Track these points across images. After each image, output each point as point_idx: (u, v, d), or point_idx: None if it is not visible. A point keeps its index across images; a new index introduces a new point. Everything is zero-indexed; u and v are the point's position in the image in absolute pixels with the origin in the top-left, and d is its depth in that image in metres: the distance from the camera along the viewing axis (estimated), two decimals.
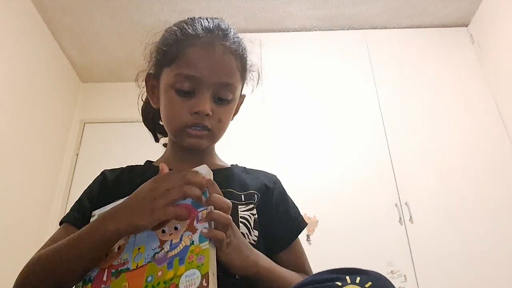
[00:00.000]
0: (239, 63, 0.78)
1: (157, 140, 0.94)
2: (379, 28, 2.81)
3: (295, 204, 0.85)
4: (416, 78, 2.58)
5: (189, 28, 0.76)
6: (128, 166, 0.86)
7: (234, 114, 0.86)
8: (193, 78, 0.73)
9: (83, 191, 0.81)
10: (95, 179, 0.82)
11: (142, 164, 0.88)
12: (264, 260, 0.65)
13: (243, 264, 0.60)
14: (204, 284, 0.49)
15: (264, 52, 2.66)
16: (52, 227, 2.72)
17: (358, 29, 2.81)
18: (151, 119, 0.91)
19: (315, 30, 2.83)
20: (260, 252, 0.66)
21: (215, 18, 0.80)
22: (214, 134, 0.78)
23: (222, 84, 0.74)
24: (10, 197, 2.40)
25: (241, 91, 0.84)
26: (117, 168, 0.85)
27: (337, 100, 2.52)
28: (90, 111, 3.23)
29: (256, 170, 0.89)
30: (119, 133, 3.09)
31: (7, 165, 2.38)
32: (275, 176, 0.88)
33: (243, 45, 0.80)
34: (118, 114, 3.09)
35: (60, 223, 0.76)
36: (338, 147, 2.37)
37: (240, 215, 0.72)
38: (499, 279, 1.98)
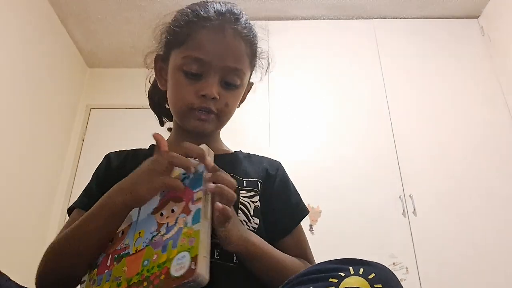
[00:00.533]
0: (249, 49, 0.77)
1: (162, 123, 0.94)
2: (388, 18, 2.78)
3: (298, 191, 0.84)
4: (424, 69, 2.55)
5: (201, 10, 0.75)
6: (133, 149, 0.86)
7: (241, 102, 0.85)
8: (201, 61, 0.72)
9: (90, 176, 0.81)
10: (101, 162, 0.83)
11: (147, 148, 0.87)
12: (257, 239, 0.64)
13: (239, 241, 0.59)
14: (193, 267, 0.48)
15: (272, 40, 2.64)
16: (57, 212, 2.75)
17: (367, 18, 2.78)
18: (157, 102, 0.91)
19: (324, 19, 2.80)
20: (253, 233, 0.65)
21: (228, 3, 0.79)
22: (220, 118, 0.77)
23: (230, 69, 0.74)
24: (15, 182, 2.42)
25: (250, 78, 0.83)
26: (122, 151, 0.85)
27: (343, 90, 2.50)
28: (96, 96, 3.23)
29: (260, 156, 0.89)
30: (124, 119, 3.09)
31: (13, 149, 2.40)
32: (279, 162, 0.88)
33: (254, 31, 0.79)
34: (124, 100, 3.09)
35: (69, 210, 0.77)
36: (344, 138, 2.36)
37: (240, 200, 0.71)
38: (501, 272, 1.98)
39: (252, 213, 0.72)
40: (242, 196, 0.72)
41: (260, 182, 0.78)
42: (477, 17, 2.75)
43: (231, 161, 0.81)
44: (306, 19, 2.80)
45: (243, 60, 0.76)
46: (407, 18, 2.78)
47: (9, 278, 0.46)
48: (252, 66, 0.81)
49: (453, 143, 2.32)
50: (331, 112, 2.44)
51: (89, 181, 0.80)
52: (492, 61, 2.56)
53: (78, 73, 3.22)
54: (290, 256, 0.70)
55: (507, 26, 2.48)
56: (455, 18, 2.76)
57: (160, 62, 0.82)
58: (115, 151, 0.85)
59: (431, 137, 2.34)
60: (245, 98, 0.87)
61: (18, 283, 0.51)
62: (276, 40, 2.63)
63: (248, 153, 0.89)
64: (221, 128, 0.83)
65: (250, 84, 0.87)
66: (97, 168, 0.82)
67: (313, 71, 2.57)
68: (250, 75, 0.83)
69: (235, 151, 0.88)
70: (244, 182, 0.76)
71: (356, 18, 2.78)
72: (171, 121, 0.89)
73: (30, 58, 2.56)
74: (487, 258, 2.01)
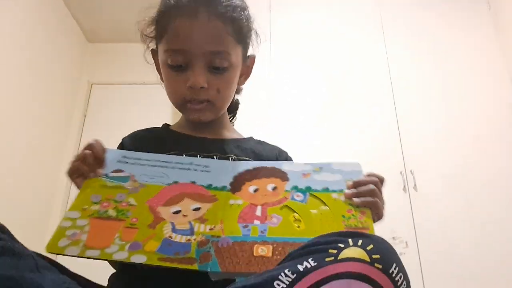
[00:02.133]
0: (230, 26, 0.73)
1: None
2: None
3: None
4: (429, 44, 2.51)
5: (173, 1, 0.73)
6: (145, 128, 0.86)
7: (246, 78, 0.85)
8: (181, 52, 0.71)
9: None
10: (121, 143, 0.83)
11: (160, 127, 0.88)
12: None
13: None
14: None
15: (274, 14, 2.61)
16: (61, 190, 2.78)
17: None
18: None
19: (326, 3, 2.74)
20: None
21: None
22: (216, 105, 0.76)
23: (212, 53, 0.72)
24: (19, 160, 2.44)
25: (245, 54, 0.80)
26: (135, 133, 0.85)
27: (346, 65, 2.48)
28: (97, 72, 3.22)
29: (270, 144, 0.89)
30: (126, 95, 3.09)
31: (15, 127, 2.40)
32: (286, 152, 0.88)
33: (234, 4, 0.75)
34: (126, 76, 3.08)
35: None
36: (345, 113, 2.35)
37: None
38: (501, 248, 2.01)
39: None
40: None
41: None
42: None
43: (241, 146, 0.81)
44: (308, 3, 2.74)
45: (224, 41, 0.73)
46: None
47: (24, 246, 0.47)
48: (242, 41, 0.77)
49: (456, 119, 2.31)
50: (332, 87, 2.43)
51: None
52: (498, 36, 2.52)
53: (79, 49, 3.19)
54: None
55: None
56: None
57: (156, 57, 0.81)
58: (128, 135, 0.84)
59: (433, 112, 2.33)
60: (249, 73, 0.85)
61: None
62: (278, 14, 2.61)
63: (259, 139, 0.89)
64: (221, 113, 0.82)
65: (251, 58, 0.84)
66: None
67: (316, 45, 2.54)
68: (244, 51, 0.80)
69: (249, 137, 0.88)
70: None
71: None
72: None
73: (30, 34, 2.54)
74: (487, 233, 2.04)
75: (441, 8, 2.62)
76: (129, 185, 0.63)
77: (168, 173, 0.65)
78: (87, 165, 0.65)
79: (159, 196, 0.62)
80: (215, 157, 0.74)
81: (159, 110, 2.17)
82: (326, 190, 0.63)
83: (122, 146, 0.82)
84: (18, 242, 0.46)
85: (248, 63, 0.84)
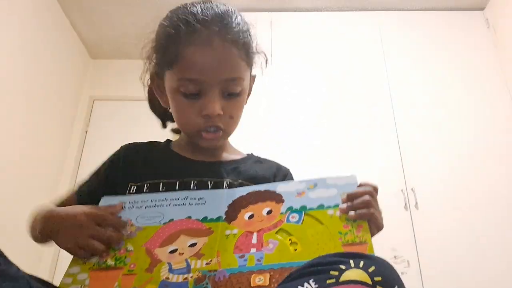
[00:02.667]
0: (243, 51, 0.73)
1: (164, 126, 0.91)
2: (392, 10, 2.75)
3: None
4: (429, 62, 2.53)
5: (183, 24, 0.70)
6: (149, 142, 0.86)
7: (247, 96, 0.84)
8: (196, 81, 0.69)
9: (93, 167, 0.83)
10: (118, 151, 0.83)
11: (163, 141, 0.88)
12: None
13: None
14: None
15: (275, 32, 2.64)
16: None
17: (371, 10, 2.76)
18: (158, 105, 0.87)
19: (327, 11, 2.78)
20: None
21: (210, 3, 0.73)
22: (228, 131, 0.77)
23: (227, 80, 0.71)
24: (19, 173, 2.43)
25: (250, 74, 0.80)
26: (139, 144, 0.85)
27: (347, 82, 2.49)
28: (99, 88, 3.24)
29: (270, 161, 0.88)
30: (128, 110, 3.10)
31: (16, 140, 2.41)
32: (288, 169, 0.87)
33: (244, 27, 0.75)
34: (128, 91, 3.08)
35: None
36: (346, 130, 2.36)
37: None
38: (502, 268, 1.98)
39: None
40: None
41: None
42: (482, 9, 2.72)
43: (239, 168, 0.80)
44: (309, 11, 2.78)
45: (238, 67, 0.72)
46: (412, 10, 2.75)
47: (19, 268, 0.47)
48: (250, 64, 0.77)
49: (456, 136, 2.31)
50: (333, 105, 2.43)
51: (98, 167, 0.82)
52: (497, 53, 2.54)
53: (82, 64, 3.22)
54: None
55: None
56: (460, 10, 2.73)
57: (157, 79, 0.79)
58: (133, 143, 0.84)
59: (434, 130, 2.33)
60: (250, 92, 0.85)
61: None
62: (279, 32, 2.64)
63: (259, 157, 0.88)
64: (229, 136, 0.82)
65: (253, 77, 0.84)
66: (113, 155, 0.82)
67: (316, 63, 2.56)
68: (250, 72, 0.80)
69: (246, 155, 0.88)
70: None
71: (360, 10, 2.76)
72: (174, 122, 0.88)
73: (33, 49, 2.56)
74: (489, 252, 2.02)
75: (441, 27, 2.65)
76: (126, 230, 0.64)
77: (164, 211, 0.66)
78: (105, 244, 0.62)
79: (155, 237, 0.62)
80: (210, 182, 0.74)
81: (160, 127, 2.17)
82: (321, 207, 0.63)
83: (126, 151, 0.82)
84: (13, 265, 0.45)
85: (252, 81, 0.84)
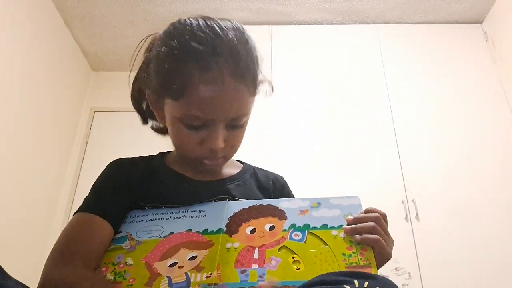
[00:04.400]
0: (251, 85, 0.69)
1: (146, 122, 0.85)
2: (392, 23, 2.78)
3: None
4: (428, 75, 2.55)
5: (193, 55, 0.64)
6: (141, 157, 0.82)
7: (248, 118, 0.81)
8: (203, 118, 0.66)
9: (93, 179, 0.75)
10: (112, 169, 0.76)
11: (155, 155, 0.84)
12: None
13: None
14: None
15: (275, 44, 2.66)
16: (60, 216, 2.76)
17: (370, 23, 2.78)
18: (139, 102, 0.83)
19: (327, 24, 2.81)
20: None
21: (220, 30, 0.66)
22: (229, 157, 0.76)
23: (235, 116, 0.68)
24: (19, 185, 2.43)
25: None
26: (132, 159, 0.80)
27: (347, 95, 2.51)
28: (100, 99, 3.25)
29: (266, 172, 0.87)
30: (128, 122, 3.10)
31: (16, 151, 2.41)
32: (282, 177, 0.87)
33: (253, 55, 0.70)
34: (128, 103, 3.08)
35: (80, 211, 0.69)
36: (346, 142, 2.36)
37: None
38: (504, 279, 1.97)
39: None
40: None
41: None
42: (480, 22, 2.75)
43: (239, 185, 0.79)
44: (309, 24, 2.81)
45: (247, 103, 0.69)
46: (411, 23, 2.78)
47: (17, 281, 0.47)
48: (255, 94, 0.73)
49: (457, 148, 2.31)
50: (333, 117, 2.44)
51: (96, 187, 0.73)
52: (496, 67, 2.55)
53: (83, 76, 3.24)
54: None
55: (511, 31, 2.48)
56: (459, 23, 2.76)
57: (156, 97, 0.73)
58: (123, 159, 0.79)
59: (434, 142, 2.34)
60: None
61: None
62: (279, 45, 2.66)
63: (254, 168, 0.86)
64: None
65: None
66: (109, 175, 0.75)
67: (316, 76, 2.58)
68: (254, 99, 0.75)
69: (242, 167, 0.85)
70: None
71: (359, 23, 2.79)
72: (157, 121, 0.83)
73: (35, 61, 2.58)
74: (490, 263, 2.00)
75: (439, 40, 2.68)
76: (126, 244, 0.63)
77: (164, 225, 0.66)
78: None
79: (155, 250, 0.61)
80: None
81: (160, 138, 2.18)
82: (325, 227, 0.62)
83: (121, 168, 0.76)
84: (11, 278, 0.45)
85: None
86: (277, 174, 0.88)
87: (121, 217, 0.68)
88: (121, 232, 0.66)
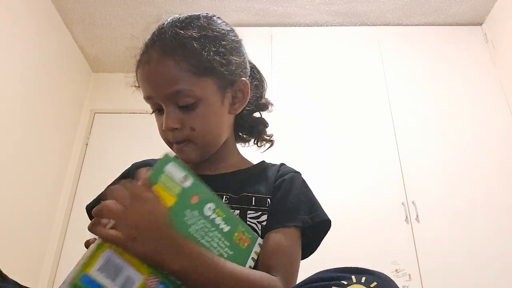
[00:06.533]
0: (184, 62, 0.69)
1: None
2: (392, 25, 2.79)
3: (312, 202, 0.76)
4: (428, 77, 2.55)
5: (144, 44, 0.75)
6: (145, 161, 0.85)
7: (242, 104, 0.79)
8: (149, 98, 0.73)
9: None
10: (124, 171, 0.84)
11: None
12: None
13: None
14: None
15: (275, 46, 2.66)
16: (60, 216, 2.76)
17: (370, 25, 2.79)
18: None
19: (327, 26, 2.81)
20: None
21: (173, 19, 0.75)
22: (198, 143, 0.72)
23: (170, 95, 0.69)
24: (19, 185, 2.43)
25: (222, 83, 0.74)
26: (145, 161, 0.85)
27: (346, 97, 2.51)
28: (100, 101, 3.25)
29: (278, 166, 0.85)
30: (128, 123, 3.11)
31: (17, 153, 2.41)
32: (291, 170, 0.82)
33: (187, 36, 0.70)
34: (128, 105, 3.09)
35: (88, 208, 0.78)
36: (346, 144, 2.36)
37: (247, 222, 0.68)
38: (504, 280, 1.97)
39: (260, 235, 0.68)
40: (249, 218, 0.69)
41: (269, 198, 0.73)
42: (480, 24, 2.75)
43: (240, 179, 0.77)
44: (309, 26, 2.81)
45: (180, 79, 0.69)
46: (411, 25, 2.79)
47: (16, 282, 0.46)
48: (209, 72, 0.71)
49: (457, 150, 2.31)
50: (333, 119, 2.44)
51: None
52: (496, 68, 2.56)
53: (83, 78, 3.24)
54: (251, 272, 0.60)
55: (511, 33, 2.48)
56: (459, 25, 2.76)
57: None
58: (141, 161, 0.85)
59: (434, 144, 2.34)
60: (245, 98, 0.78)
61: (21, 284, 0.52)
62: (279, 46, 2.66)
63: (268, 163, 0.85)
64: (210, 150, 0.76)
65: (241, 82, 0.77)
66: (120, 176, 0.83)
67: (316, 77, 2.58)
68: (222, 80, 0.73)
69: (256, 164, 0.84)
70: (253, 199, 0.72)
71: (359, 25, 2.80)
72: None
73: (35, 63, 2.58)
74: (491, 265, 2.00)
75: (439, 42, 2.68)
76: None
77: None
78: None
79: None
80: None
81: (162, 139, 2.18)
82: None
83: (128, 175, 0.81)
84: (9, 280, 0.45)
85: (235, 90, 0.77)
86: (285, 167, 0.84)
87: None
88: None
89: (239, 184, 0.75)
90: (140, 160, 0.86)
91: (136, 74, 0.75)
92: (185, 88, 0.69)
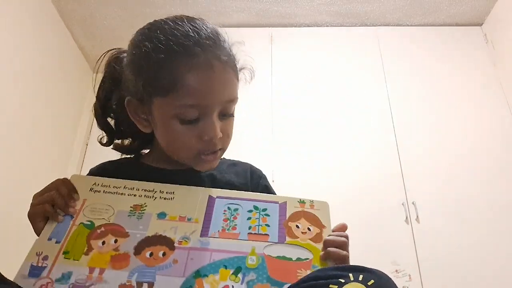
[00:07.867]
0: (235, 70, 0.72)
1: (110, 143, 0.86)
2: (392, 26, 2.79)
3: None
4: (428, 77, 2.55)
5: (178, 47, 0.66)
6: (113, 162, 0.86)
7: None
8: (198, 106, 0.67)
9: None
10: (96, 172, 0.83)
11: (130, 157, 0.86)
12: None
13: None
14: None
15: (275, 47, 2.66)
16: None
17: (370, 26, 2.79)
18: (105, 121, 0.85)
19: (327, 26, 2.81)
20: None
21: (196, 23, 0.70)
22: (225, 149, 0.76)
23: (228, 102, 0.70)
24: (19, 186, 2.43)
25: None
26: (111, 162, 0.86)
27: (346, 97, 2.51)
28: None
29: (244, 163, 0.89)
30: None
31: (17, 153, 2.41)
32: (261, 171, 0.88)
33: (230, 45, 0.73)
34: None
35: None
36: (346, 144, 2.36)
37: None
38: (505, 280, 1.97)
39: None
40: None
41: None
42: (480, 24, 2.75)
43: (215, 174, 0.80)
44: (309, 26, 2.81)
45: (236, 87, 0.72)
46: (411, 25, 2.79)
47: (16, 284, 0.47)
48: (238, 78, 0.75)
49: (457, 150, 2.31)
50: (333, 119, 2.44)
51: None
52: (496, 69, 2.56)
53: (83, 78, 3.24)
54: None
55: (511, 33, 2.48)
56: (459, 25, 2.76)
57: (136, 105, 0.73)
58: (107, 162, 0.86)
59: (434, 144, 2.34)
60: None
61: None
62: (279, 47, 2.66)
63: (233, 160, 0.88)
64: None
65: None
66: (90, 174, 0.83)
67: (316, 78, 2.58)
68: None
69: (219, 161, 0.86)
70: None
71: (359, 25, 2.80)
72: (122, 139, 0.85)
73: (36, 63, 2.59)
74: (491, 265, 2.00)
75: (439, 42, 2.68)
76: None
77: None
78: (58, 207, 0.70)
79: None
80: None
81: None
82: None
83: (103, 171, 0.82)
84: (7, 281, 0.45)
85: None
86: (255, 167, 0.89)
87: None
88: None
89: (213, 178, 0.79)
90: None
91: (175, 76, 0.65)
92: (237, 97, 0.72)
